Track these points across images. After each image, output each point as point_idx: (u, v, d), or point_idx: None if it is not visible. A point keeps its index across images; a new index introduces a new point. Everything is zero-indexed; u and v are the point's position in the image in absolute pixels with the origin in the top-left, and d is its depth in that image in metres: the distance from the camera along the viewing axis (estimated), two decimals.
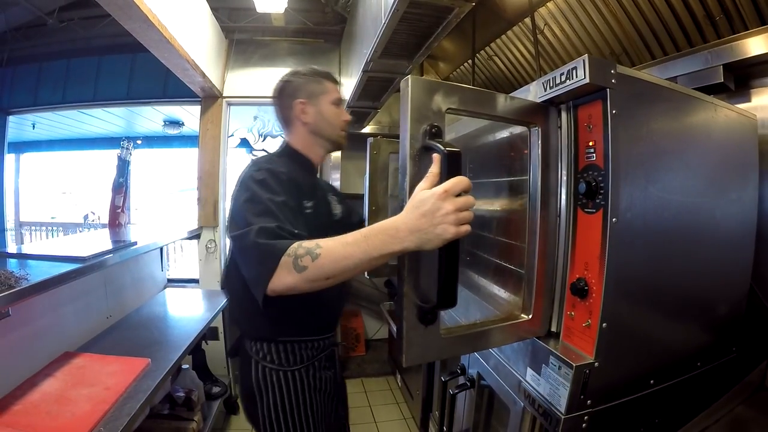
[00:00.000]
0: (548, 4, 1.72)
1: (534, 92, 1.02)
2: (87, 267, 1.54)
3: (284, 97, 1.20)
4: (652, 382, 0.94)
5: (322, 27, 3.05)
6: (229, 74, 2.92)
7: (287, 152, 1.21)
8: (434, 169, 0.74)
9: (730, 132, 1.12)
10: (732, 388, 1.03)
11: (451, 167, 0.73)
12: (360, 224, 1.43)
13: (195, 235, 2.83)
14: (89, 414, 1.24)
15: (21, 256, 1.65)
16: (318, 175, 1.31)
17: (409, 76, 0.81)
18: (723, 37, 1.24)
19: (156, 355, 1.63)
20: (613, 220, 0.87)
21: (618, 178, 0.88)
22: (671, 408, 0.97)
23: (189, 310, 2.33)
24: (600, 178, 0.90)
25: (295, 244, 0.84)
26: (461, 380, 1.42)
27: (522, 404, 1.03)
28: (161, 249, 2.63)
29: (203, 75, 2.31)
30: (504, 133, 1.17)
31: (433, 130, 0.79)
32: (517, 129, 1.07)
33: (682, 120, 1.04)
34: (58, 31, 2.74)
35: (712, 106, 1.08)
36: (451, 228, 0.70)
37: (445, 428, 1.43)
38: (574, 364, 0.83)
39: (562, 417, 0.85)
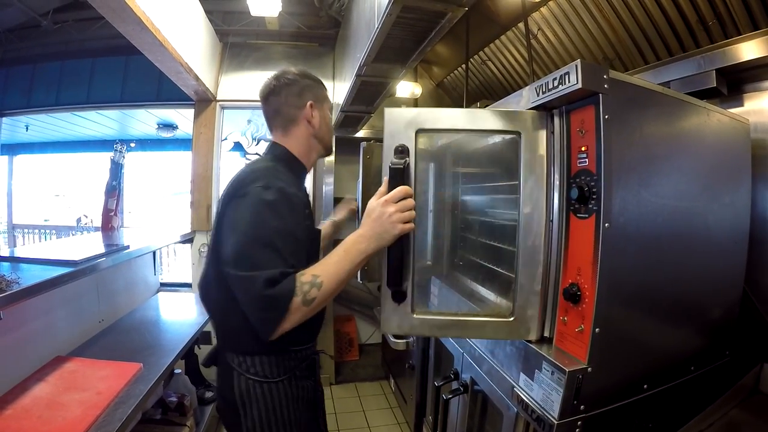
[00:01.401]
0: (542, 8, 1.73)
1: (526, 97, 1.03)
2: (79, 271, 1.52)
3: (292, 96, 1.13)
4: (645, 386, 0.94)
5: (316, 31, 3.04)
6: (223, 78, 2.91)
7: (284, 158, 1.14)
8: (382, 187, 0.92)
9: (722, 136, 1.13)
10: (726, 391, 1.03)
11: (393, 178, 0.91)
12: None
13: (188, 239, 2.81)
14: (80, 419, 1.23)
15: (13, 260, 1.63)
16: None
17: (386, 108, 0.93)
18: (716, 42, 1.25)
19: (148, 360, 1.62)
20: (606, 225, 0.87)
21: (610, 183, 0.88)
22: (665, 412, 0.97)
23: (182, 314, 2.31)
24: (592, 184, 0.90)
25: (298, 283, 0.91)
26: (454, 385, 1.41)
27: (515, 409, 1.02)
28: (154, 253, 2.61)
29: (197, 78, 2.30)
30: (496, 138, 1.16)
31: (400, 148, 0.92)
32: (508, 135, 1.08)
33: (674, 125, 1.04)
34: (53, 32, 2.72)
35: (704, 110, 1.09)
36: (398, 225, 0.89)
37: None
38: (567, 369, 0.83)
39: (556, 422, 0.84)
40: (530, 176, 0.99)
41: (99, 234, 2.59)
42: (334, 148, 1.28)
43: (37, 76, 2.86)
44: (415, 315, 0.95)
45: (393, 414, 2.52)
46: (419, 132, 0.93)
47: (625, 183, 0.90)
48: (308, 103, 1.13)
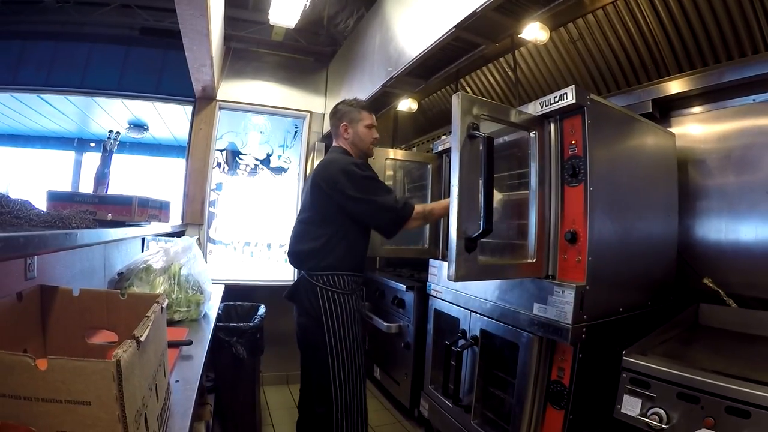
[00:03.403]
0: (527, 45, 2.18)
1: (532, 109, 1.41)
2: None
3: (335, 118, 1.79)
4: (621, 309, 1.28)
5: (314, 47, 3.33)
6: (223, 80, 3.05)
7: (344, 152, 1.77)
8: None
9: (658, 140, 1.59)
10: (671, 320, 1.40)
11: (489, 149, 1.16)
12: None
13: (178, 232, 2.80)
14: None
15: None
16: None
17: (459, 92, 1.22)
18: (652, 80, 1.74)
19: None
20: (591, 188, 1.24)
21: (592, 162, 1.26)
22: (632, 332, 1.30)
23: None
24: (580, 164, 1.28)
25: (417, 206, 1.62)
26: (461, 342, 1.65)
27: (529, 336, 1.30)
28: (143, 240, 2.59)
29: (213, 75, 2.44)
30: (514, 136, 1.51)
31: (474, 125, 1.21)
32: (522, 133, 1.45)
33: (628, 130, 1.48)
34: (51, 11, 2.67)
35: (645, 123, 1.55)
36: None
37: (451, 385, 1.63)
38: (575, 285, 1.14)
39: (570, 327, 1.14)
40: (537, 161, 1.36)
41: None
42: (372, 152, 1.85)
43: (27, 52, 2.75)
44: (479, 261, 1.18)
45: (379, 401, 2.67)
46: (481, 117, 1.27)
47: (600, 162, 1.28)
48: (341, 124, 1.76)
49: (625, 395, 1.06)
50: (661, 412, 0.98)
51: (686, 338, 1.34)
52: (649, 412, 0.99)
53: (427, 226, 2.37)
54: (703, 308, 1.50)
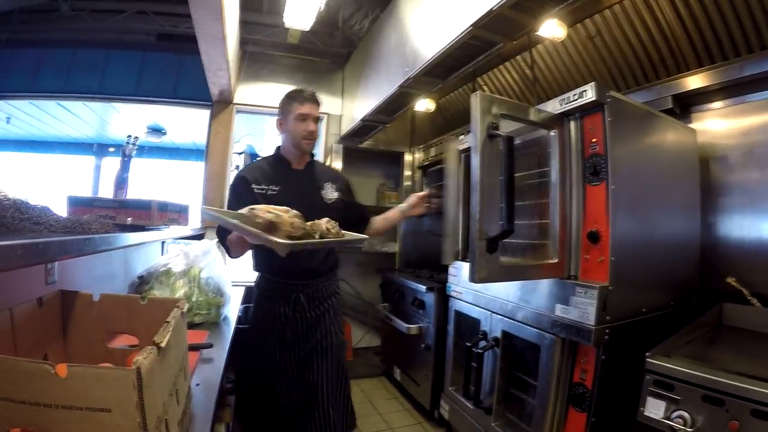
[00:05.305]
0: (544, 42, 2.14)
1: (552, 107, 1.39)
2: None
3: (278, 115, 1.63)
4: (644, 310, 1.25)
5: (329, 49, 3.35)
6: (240, 83, 3.09)
7: (273, 154, 1.67)
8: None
9: (679, 137, 1.56)
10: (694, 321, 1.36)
11: (510, 148, 1.15)
12: (359, 218, 1.72)
13: (197, 235, 2.84)
14: None
15: None
16: (302, 168, 1.66)
17: (478, 91, 1.21)
18: (671, 75, 1.69)
19: None
20: (613, 187, 1.21)
21: (614, 160, 1.24)
22: (656, 333, 1.26)
23: None
24: (602, 162, 1.25)
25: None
26: (483, 343, 1.63)
27: (551, 338, 1.28)
28: (162, 243, 2.63)
29: (229, 78, 2.47)
30: (533, 135, 1.49)
31: (494, 125, 1.20)
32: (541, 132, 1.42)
33: (649, 126, 1.45)
34: (66, 19, 2.73)
35: (667, 120, 1.51)
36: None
37: (472, 387, 1.61)
38: (597, 285, 1.12)
39: (593, 328, 1.12)
40: (558, 160, 1.34)
41: None
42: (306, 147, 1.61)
43: (45, 60, 2.81)
44: (500, 262, 1.17)
45: (399, 402, 2.66)
46: (501, 117, 1.25)
47: (621, 160, 1.26)
48: (277, 119, 1.62)
49: (648, 398, 1.03)
50: (686, 415, 0.95)
51: (710, 339, 1.30)
52: (674, 415, 0.97)
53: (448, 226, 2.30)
54: (727, 308, 1.46)
